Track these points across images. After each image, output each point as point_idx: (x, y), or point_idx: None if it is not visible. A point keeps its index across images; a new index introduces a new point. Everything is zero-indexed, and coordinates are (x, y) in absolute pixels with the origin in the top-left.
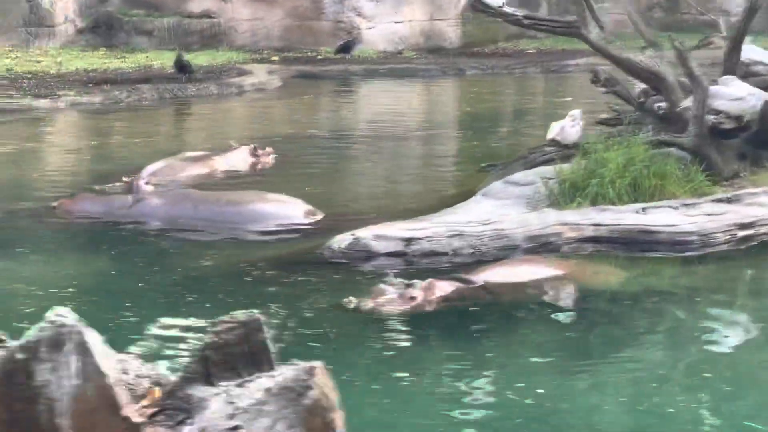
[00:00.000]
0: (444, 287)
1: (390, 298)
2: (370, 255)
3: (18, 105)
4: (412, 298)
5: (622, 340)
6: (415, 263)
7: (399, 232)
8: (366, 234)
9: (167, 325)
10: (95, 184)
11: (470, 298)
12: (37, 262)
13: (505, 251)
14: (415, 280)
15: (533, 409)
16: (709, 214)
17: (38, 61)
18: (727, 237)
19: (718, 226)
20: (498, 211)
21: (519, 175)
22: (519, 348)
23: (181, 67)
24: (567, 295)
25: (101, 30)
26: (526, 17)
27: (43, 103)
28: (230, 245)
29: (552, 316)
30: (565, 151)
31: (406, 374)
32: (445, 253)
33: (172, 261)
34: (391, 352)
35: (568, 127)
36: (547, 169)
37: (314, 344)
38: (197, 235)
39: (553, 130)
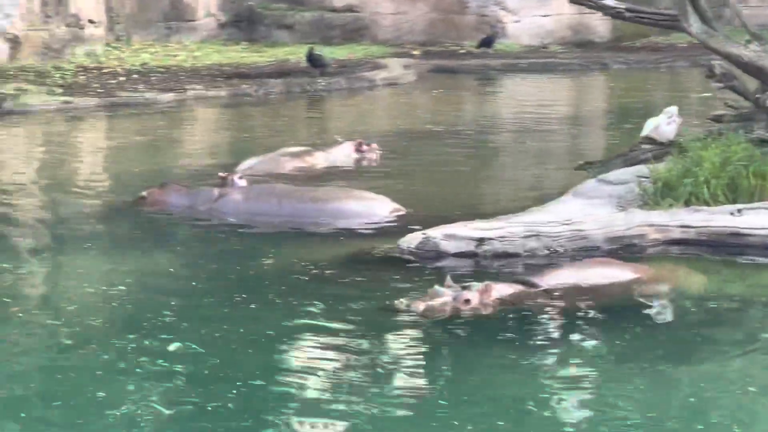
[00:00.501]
0: (502, 290)
1: (443, 301)
2: (440, 255)
3: (143, 99)
4: (467, 302)
5: (690, 352)
6: (486, 265)
7: (470, 231)
8: (437, 233)
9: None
10: (197, 177)
11: (531, 302)
12: (99, 255)
13: (583, 253)
14: (472, 282)
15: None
16: None
17: (175, 56)
18: None
19: None
20: (585, 210)
21: (613, 174)
22: (570, 356)
23: (313, 61)
24: (638, 301)
25: (243, 24)
26: (628, 10)
27: (169, 96)
28: (305, 243)
29: (617, 323)
30: (665, 149)
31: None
32: (518, 255)
33: (236, 258)
34: (429, 359)
35: (664, 124)
36: (644, 168)
37: (353, 346)
38: (274, 231)
39: (648, 128)
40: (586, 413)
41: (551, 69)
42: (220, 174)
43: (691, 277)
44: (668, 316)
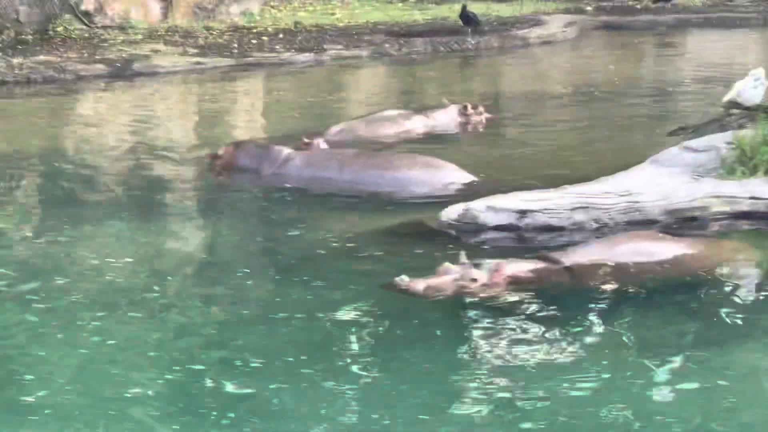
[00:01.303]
0: (517, 268)
1: (443, 280)
2: (479, 228)
3: (278, 59)
4: (473, 280)
5: (722, 340)
6: (529, 238)
7: (513, 203)
8: (478, 205)
9: None
10: (295, 140)
11: (551, 281)
12: (135, 221)
13: (637, 226)
14: (486, 260)
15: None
16: None
17: (332, 14)
18: None
19: None
20: (656, 180)
21: (699, 141)
22: (569, 342)
23: (466, 19)
24: (677, 281)
25: None
26: None
27: (305, 57)
28: (355, 212)
29: (641, 306)
30: (756, 114)
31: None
32: (563, 228)
33: (275, 227)
34: (405, 341)
35: (750, 87)
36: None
37: (331, 325)
38: (328, 199)
39: (732, 91)
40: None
41: (728, 24)
42: (304, 138)
43: (749, 255)
44: (707, 299)
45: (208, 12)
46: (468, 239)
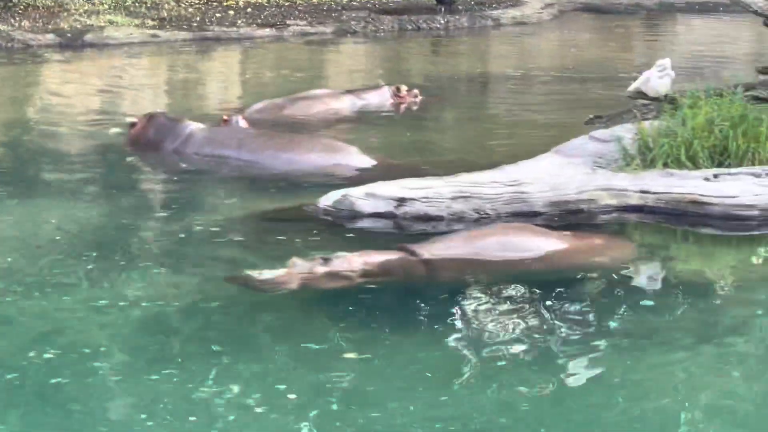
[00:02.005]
0: (366, 261)
1: (285, 272)
2: (356, 215)
3: (237, 34)
4: (320, 273)
5: (585, 338)
6: (406, 227)
7: (392, 190)
8: (356, 192)
9: None
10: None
11: (405, 273)
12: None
13: (519, 218)
14: (339, 253)
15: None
16: None
17: None
18: None
19: None
20: (554, 170)
21: (604, 131)
22: (393, 338)
23: None
24: (541, 276)
25: None
26: None
27: (265, 32)
28: (241, 193)
29: (493, 302)
30: (663, 104)
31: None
32: (442, 218)
33: (150, 207)
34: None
35: (655, 77)
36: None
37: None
38: (221, 179)
39: (639, 80)
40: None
41: (710, 9)
42: (224, 116)
43: (623, 251)
44: (563, 294)
45: None
46: (345, 226)
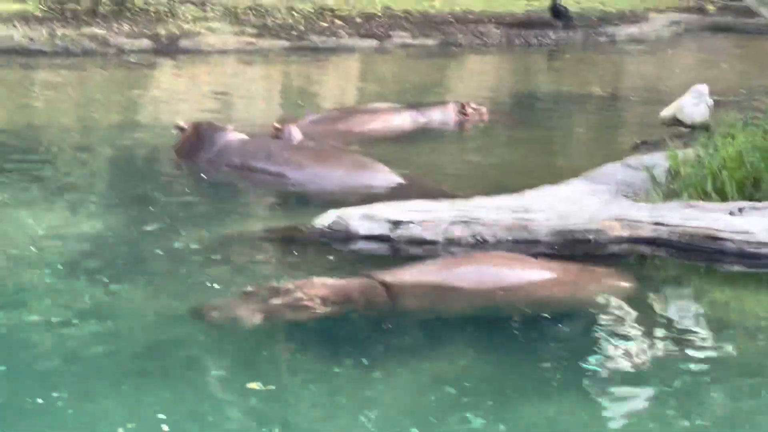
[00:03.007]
0: (328, 289)
1: (232, 303)
2: (350, 237)
3: (336, 44)
4: (272, 302)
5: (545, 379)
6: (402, 250)
7: (389, 212)
8: (352, 213)
9: None
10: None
11: (368, 301)
12: (56, 203)
13: (521, 245)
14: (297, 281)
15: None
16: None
17: (432, 0)
18: None
19: None
20: (576, 197)
21: (638, 158)
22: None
23: (557, 13)
24: (517, 310)
25: None
26: None
27: (367, 43)
28: (253, 208)
29: (466, 336)
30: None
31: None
32: (437, 242)
33: (159, 218)
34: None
35: (690, 105)
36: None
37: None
38: (241, 192)
39: (672, 106)
40: None
41: None
42: (275, 124)
43: (616, 286)
44: (535, 330)
45: None
46: (339, 248)
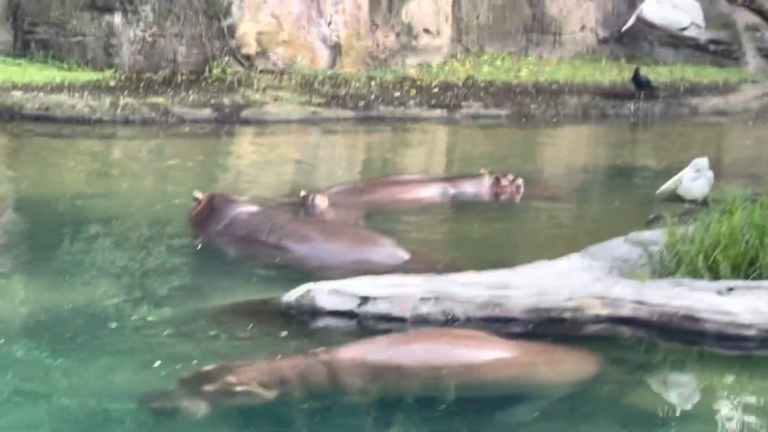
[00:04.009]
0: (260, 368)
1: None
2: (317, 312)
3: (403, 114)
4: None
5: None
6: (369, 327)
7: (358, 288)
8: (320, 287)
9: None
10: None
11: (309, 384)
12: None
13: (493, 323)
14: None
15: None
16: None
17: (518, 71)
18: None
19: None
20: (566, 273)
21: (640, 234)
22: None
23: (638, 83)
24: (465, 391)
25: (627, 39)
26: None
27: (436, 113)
28: (233, 282)
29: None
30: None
31: None
32: (405, 319)
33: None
34: None
35: (688, 179)
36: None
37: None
38: (233, 265)
39: (672, 180)
40: None
41: None
42: (302, 193)
43: (580, 367)
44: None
45: (380, 62)
46: (307, 324)
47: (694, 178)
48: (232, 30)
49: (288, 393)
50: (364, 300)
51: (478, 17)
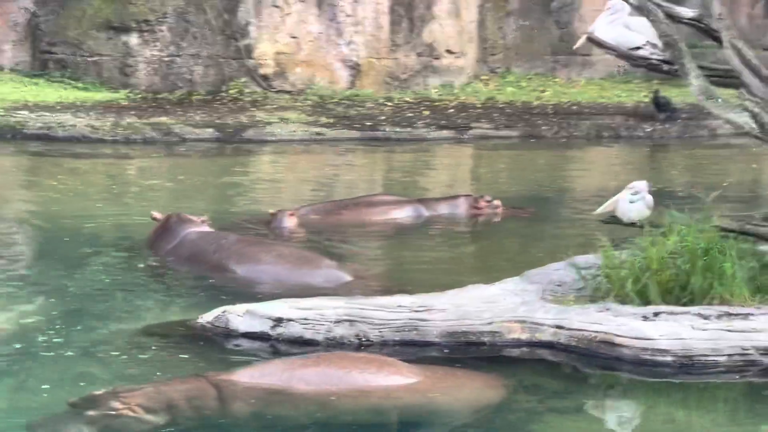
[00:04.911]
0: (150, 394)
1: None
2: (231, 333)
3: (408, 135)
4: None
5: None
6: (282, 350)
7: (272, 310)
8: (235, 309)
9: None
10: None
11: (199, 408)
12: None
13: (409, 347)
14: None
15: None
16: (729, 330)
17: (542, 91)
18: (739, 362)
19: (726, 346)
20: (490, 297)
21: (581, 257)
22: None
23: (658, 105)
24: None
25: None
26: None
27: (442, 134)
28: (162, 303)
29: None
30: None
31: None
32: (318, 342)
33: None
34: None
35: (624, 202)
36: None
37: None
38: (167, 285)
39: (605, 204)
40: None
41: None
42: (270, 211)
43: (482, 393)
44: None
45: (400, 82)
46: (222, 345)
47: (631, 200)
48: (249, 50)
49: (176, 417)
50: (278, 322)
51: (504, 38)
